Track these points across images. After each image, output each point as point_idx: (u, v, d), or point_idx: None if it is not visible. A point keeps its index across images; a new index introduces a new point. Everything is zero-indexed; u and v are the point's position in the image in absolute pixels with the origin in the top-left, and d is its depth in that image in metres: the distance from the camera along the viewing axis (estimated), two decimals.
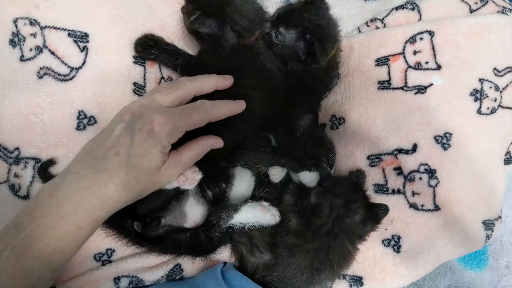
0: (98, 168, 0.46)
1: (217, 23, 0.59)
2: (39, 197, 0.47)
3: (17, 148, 0.63)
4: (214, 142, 0.55)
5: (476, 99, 0.64)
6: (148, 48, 0.65)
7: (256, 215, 0.57)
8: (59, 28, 0.65)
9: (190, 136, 0.53)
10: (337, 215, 0.55)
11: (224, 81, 0.56)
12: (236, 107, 0.55)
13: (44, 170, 0.60)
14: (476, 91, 0.64)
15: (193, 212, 0.61)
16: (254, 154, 0.60)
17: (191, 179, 0.52)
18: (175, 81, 0.55)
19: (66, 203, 0.45)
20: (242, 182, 0.62)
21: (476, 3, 0.69)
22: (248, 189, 0.63)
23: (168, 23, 0.69)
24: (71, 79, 0.64)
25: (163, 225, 0.57)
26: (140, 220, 0.55)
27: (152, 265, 0.63)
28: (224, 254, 0.66)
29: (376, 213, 0.57)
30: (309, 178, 0.60)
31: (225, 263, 0.67)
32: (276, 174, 0.61)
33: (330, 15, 0.69)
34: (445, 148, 0.63)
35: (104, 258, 0.62)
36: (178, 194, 0.57)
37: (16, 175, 0.62)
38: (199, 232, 0.58)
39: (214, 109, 0.52)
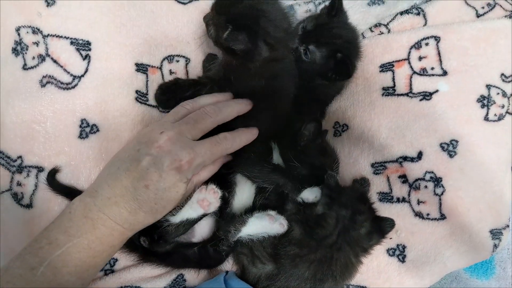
0: (129, 197, 0.49)
1: (250, 38, 0.54)
2: (72, 216, 0.50)
3: (20, 157, 0.63)
4: (227, 160, 0.60)
5: (483, 106, 0.63)
6: (171, 99, 0.63)
7: (264, 225, 0.57)
8: (61, 36, 0.65)
9: None
10: (343, 227, 0.55)
11: (245, 107, 0.58)
12: (252, 135, 0.58)
13: (53, 177, 0.61)
14: (483, 97, 0.63)
15: (201, 227, 0.60)
16: (254, 167, 0.59)
17: (215, 201, 0.54)
18: (201, 112, 0.54)
19: (102, 226, 0.49)
20: (244, 190, 0.62)
21: (483, 8, 0.67)
22: (250, 197, 0.63)
23: (171, 30, 0.69)
24: (73, 87, 0.64)
25: (171, 242, 0.57)
26: (147, 236, 0.55)
27: (155, 275, 0.62)
28: (227, 263, 0.66)
29: (382, 227, 0.56)
30: (311, 195, 0.58)
31: (227, 272, 0.66)
32: (309, 196, 0.59)
33: (351, 24, 0.68)
34: (451, 156, 0.62)
35: (107, 267, 0.62)
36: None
37: (19, 184, 0.62)
38: (207, 247, 0.58)
39: (235, 143, 0.56)
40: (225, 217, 0.60)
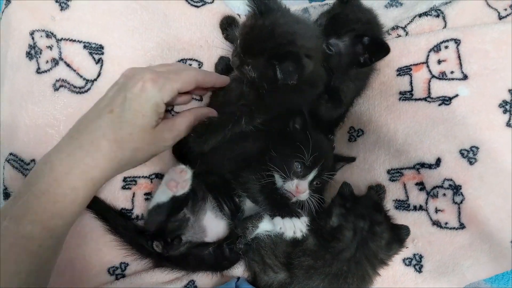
0: (92, 128, 0.47)
1: (297, 62, 0.52)
2: (36, 167, 0.48)
3: (33, 160, 0.63)
4: (209, 112, 0.58)
5: (505, 111, 0.60)
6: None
7: (280, 222, 0.55)
8: (74, 40, 0.65)
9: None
10: (362, 239, 0.53)
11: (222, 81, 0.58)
12: (220, 80, 0.58)
13: None
14: (505, 102, 0.60)
15: (213, 227, 0.60)
16: (246, 186, 0.58)
17: (182, 182, 0.51)
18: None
19: (59, 166, 0.46)
20: None
21: (505, 10, 0.65)
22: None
23: (184, 33, 0.68)
24: (86, 91, 0.64)
25: (184, 242, 0.56)
26: (161, 240, 0.54)
27: (166, 280, 0.62)
28: (238, 270, 0.65)
29: (400, 235, 0.54)
30: (279, 225, 0.53)
31: (238, 278, 0.65)
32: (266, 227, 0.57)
33: (365, 6, 0.66)
34: (471, 163, 0.60)
35: (118, 272, 0.62)
36: (178, 204, 0.55)
37: None
38: (223, 246, 0.57)
39: (201, 72, 0.55)
40: (238, 220, 0.59)
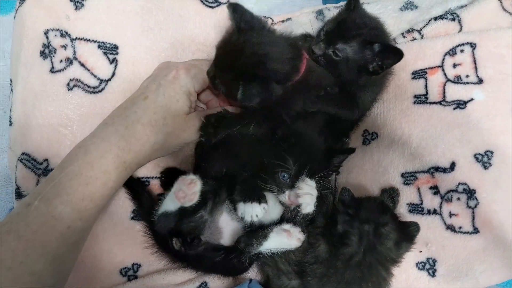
0: (126, 113, 0.49)
1: (263, 86, 0.51)
2: (70, 151, 0.49)
3: (46, 160, 0.63)
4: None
5: None
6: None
7: (282, 241, 0.56)
8: (89, 40, 0.65)
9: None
10: (368, 243, 0.53)
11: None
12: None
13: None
14: None
15: (228, 228, 0.60)
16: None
17: (190, 194, 0.50)
18: None
19: (94, 150, 0.47)
20: (271, 204, 0.59)
21: None
22: (275, 207, 0.61)
23: (198, 34, 0.68)
24: (100, 91, 0.64)
25: (203, 243, 0.56)
26: (180, 238, 0.54)
27: (178, 282, 0.62)
28: (251, 272, 0.65)
29: (409, 232, 0.54)
30: (241, 210, 0.53)
31: (250, 280, 0.65)
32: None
33: (371, 14, 0.66)
34: (485, 167, 0.59)
35: (130, 273, 0.62)
36: (186, 214, 0.55)
37: None
38: (231, 256, 0.57)
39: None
40: (254, 226, 0.58)
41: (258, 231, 0.57)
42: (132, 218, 0.64)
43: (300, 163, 0.54)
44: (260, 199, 0.54)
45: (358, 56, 0.61)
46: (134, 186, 0.62)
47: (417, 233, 0.56)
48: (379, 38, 0.61)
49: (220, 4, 0.69)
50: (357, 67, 0.61)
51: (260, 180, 0.57)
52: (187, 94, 0.52)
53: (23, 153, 0.63)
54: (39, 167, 0.62)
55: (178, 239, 0.54)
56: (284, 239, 0.56)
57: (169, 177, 0.64)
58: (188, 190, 0.50)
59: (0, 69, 1.11)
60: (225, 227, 0.59)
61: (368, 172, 0.66)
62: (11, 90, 0.69)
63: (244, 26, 0.53)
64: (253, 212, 0.53)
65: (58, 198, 0.45)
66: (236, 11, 0.54)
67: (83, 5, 0.64)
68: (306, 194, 0.53)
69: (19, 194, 0.64)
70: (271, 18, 0.89)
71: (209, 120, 0.55)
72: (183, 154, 0.69)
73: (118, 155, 0.47)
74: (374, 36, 0.61)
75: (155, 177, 0.67)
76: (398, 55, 0.58)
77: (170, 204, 0.52)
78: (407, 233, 0.55)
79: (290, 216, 0.58)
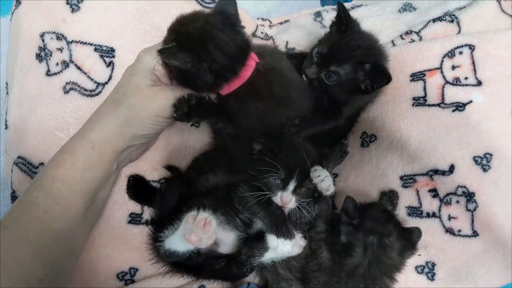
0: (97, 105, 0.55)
1: (191, 59, 0.48)
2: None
3: (42, 163, 0.63)
4: None
5: None
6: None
7: (285, 251, 0.55)
8: (85, 43, 0.65)
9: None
10: (373, 254, 0.52)
11: None
12: None
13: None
14: None
15: (224, 239, 0.59)
16: (243, 199, 0.56)
17: (206, 237, 0.45)
18: None
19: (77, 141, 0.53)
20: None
21: None
22: None
23: None
24: (97, 94, 0.64)
25: (202, 254, 0.55)
26: None
27: (175, 286, 0.61)
28: (250, 275, 0.64)
29: (412, 240, 0.54)
30: (274, 244, 0.53)
31: (248, 283, 0.65)
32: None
33: (366, 31, 0.66)
34: (485, 170, 0.59)
35: (127, 278, 0.61)
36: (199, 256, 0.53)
37: None
38: (231, 265, 0.57)
39: None
40: (250, 233, 0.58)
41: (259, 242, 0.56)
42: (129, 222, 0.63)
43: (289, 167, 0.54)
44: (291, 235, 0.54)
45: (351, 77, 0.61)
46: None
47: (419, 239, 0.55)
48: (371, 58, 0.61)
49: None
50: (350, 88, 0.62)
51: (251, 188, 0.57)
52: (146, 67, 0.51)
53: (19, 157, 0.63)
54: (34, 171, 0.62)
55: None
56: (287, 248, 0.54)
57: (135, 186, 0.62)
58: (203, 234, 0.44)
59: (0, 71, 1.11)
60: (220, 238, 0.58)
61: (367, 174, 0.66)
62: (7, 93, 0.68)
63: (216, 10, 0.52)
64: (286, 249, 0.53)
65: (33, 185, 0.49)
66: None
67: (79, 7, 0.64)
68: (324, 178, 0.53)
69: (14, 198, 0.63)
70: (269, 20, 0.89)
71: (188, 99, 0.52)
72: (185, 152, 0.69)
73: (81, 135, 0.50)
74: (366, 56, 0.61)
75: (153, 181, 0.66)
76: (385, 78, 0.59)
77: (178, 244, 0.47)
78: (410, 240, 0.54)
79: (294, 218, 0.58)
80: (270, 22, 0.87)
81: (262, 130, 0.57)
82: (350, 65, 0.60)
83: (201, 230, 0.44)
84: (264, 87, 0.54)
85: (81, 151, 0.49)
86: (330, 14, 0.81)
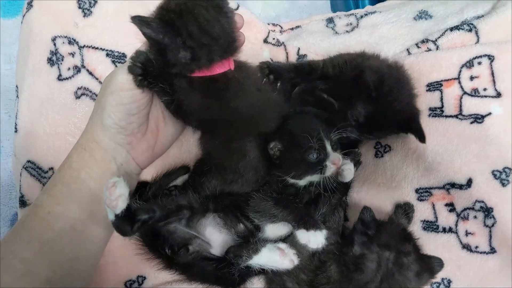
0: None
1: (165, 29, 0.45)
2: None
3: (51, 168, 0.62)
4: None
5: None
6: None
7: (274, 259, 0.54)
8: (97, 48, 0.64)
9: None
10: (387, 271, 0.50)
11: None
12: None
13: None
14: None
15: (218, 240, 0.58)
16: (258, 206, 0.55)
17: (113, 200, 0.44)
18: None
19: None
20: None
21: None
22: (282, 228, 0.59)
23: None
24: None
25: (192, 252, 0.55)
26: (168, 247, 0.54)
27: None
28: (257, 286, 0.63)
29: (431, 265, 0.51)
30: (305, 239, 0.51)
31: None
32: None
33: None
34: (503, 185, 0.57)
35: (135, 286, 0.61)
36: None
37: None
38: (223, 268, 0.56)
39: None
40: (254, 240, 0.57)
41: (250, 243, 0.55)
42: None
43: (313, 135, 0.52)
44: (320, 226, 0.52)
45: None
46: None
47: (440, 269, 0.53)
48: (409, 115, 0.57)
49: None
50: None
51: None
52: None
53: (28, 161, 0.63)
54: (44, 176, 0.62)
55: (167, 247, 0.53)
56: (276, 257, 0.53)
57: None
58: (111, 196, 0.45)
59: (4, 72, 1.12)
60: (214, 239, 0.57)
61: (380, 186, 0.64)
62: (17, 96, 0.68)
63: None
64: (320, 240, 0.50)
65: (41, 191, 0.51)
66: None
67: (91, 12, 0.63)
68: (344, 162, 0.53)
69: (23, 203, 0.63)
70: (280, 26, 0.88)
71: (137, 56, 0.48)
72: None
73: (77, 141, 0.52)
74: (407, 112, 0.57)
75: None
76: (422, 138, 0.56)
77: (109, 212, 0.47)
78: (429, 265, 0.52)
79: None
80: (281, 28, 0.86)
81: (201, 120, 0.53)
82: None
83: (109, 192, 0.45)
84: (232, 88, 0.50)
85: (75, 153, 0.51)
86: (342, 20, 0.80)
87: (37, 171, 0.62)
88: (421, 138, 0.56)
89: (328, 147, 0.53)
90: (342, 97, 0.57)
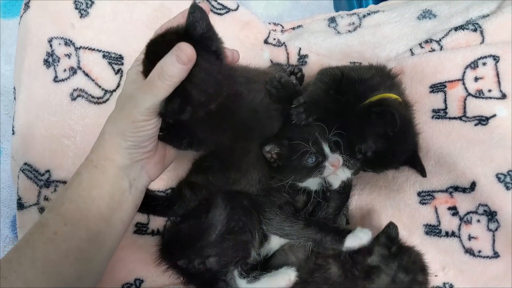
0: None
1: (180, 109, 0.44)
2: None
3: (48, 171, 0.62)
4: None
5: None
6: None
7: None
8: (94, 49, 0.63)
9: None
10: None
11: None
12: None
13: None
14: None
15: None
16: (285, 224, 0.54)
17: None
18: None
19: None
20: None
21: None
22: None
23: None
24: (105, 102, 0.62)
25: (209, 269, 0.53)
26: (186, 260, 0.52)
27: None
28: None
29: None
30: (355, 241, 0.51)
31: None
32: (354, 243, 0.52)
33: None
34: (508, 188, 0.56)
35: None
36: None
37: (46, 198, 0.61)
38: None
39: None
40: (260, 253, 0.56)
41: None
42: (135, 232, 0.62)
43: (310, 139, 0.52)
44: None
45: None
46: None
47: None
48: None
49: (229, 11, 0.67)
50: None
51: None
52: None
53: (25, 163, 0.62)
54: (40, 178, 0.61)
55: (184, 261, 0.52)
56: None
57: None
58: None
59: (4, 73, 1.11)
60: None
61: (382, 189, 0.63)
62: (14, 98, 0.68)
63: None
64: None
65: (47, 208, 0.49)
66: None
67: (88, 13, 0.62)
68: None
69: (20, 205, 0.62)
70: (281, 25, 0.87)
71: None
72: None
73: (87, 157, 0.49)
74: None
75: (159, 191, 0.65)
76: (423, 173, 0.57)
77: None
78: None
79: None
80: (282, 27, 0.84)
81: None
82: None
83: None
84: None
85: (85, 170, 0.48)
86: (345, 20, 0.78)
87: (34, 174, 0.61)
88: (423, 173, 0.57)
89: (326, 149, 0.53)
90: (353, 130, 0.55)
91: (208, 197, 0.54)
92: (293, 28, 0.85)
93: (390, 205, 0.63)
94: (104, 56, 0.63)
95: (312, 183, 0.56)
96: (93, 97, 0.62)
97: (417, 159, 0.58)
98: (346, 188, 0.55)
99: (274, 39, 0.76)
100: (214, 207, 0.53)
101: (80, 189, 0.47)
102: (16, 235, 0.96)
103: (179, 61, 0.41)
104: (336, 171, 0.53)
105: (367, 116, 0.54)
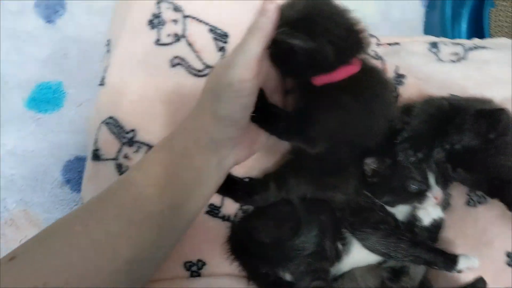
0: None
1: (310, 36, 0.42)
2: None
3: (133, 130, 0.61)
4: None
5: None
6: None
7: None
8: (201, 21, 0.63)
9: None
10: None
11: None
12: None
13: None
14: None
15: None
16: (388, 240, 0.50)
17: None
18: None
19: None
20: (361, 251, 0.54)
21: None
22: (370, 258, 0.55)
23: None
24: (203, 75, 0.61)
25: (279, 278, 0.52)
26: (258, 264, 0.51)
27: None
28: None
29: None
30: (470, 263, 0.49)
31: None
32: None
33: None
34: None
35: (194, 269, 0.58)
36: None
37: (125, 156, 0.61)
38: None
39: None
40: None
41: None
42: (207, 212, 0.60)
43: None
44: None
45: None
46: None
47: None
48: None
49: None
50: None
51: None
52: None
53: (111, 117, 0.62)
54: (124, 136, 0.61)
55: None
56: None
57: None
58: None
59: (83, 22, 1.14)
60: None
61: (469, 237, 0.58)
62: (108, 50, 0.68)
63: None
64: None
65: (135, 165, 0.50)
66: None
67: None
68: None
69: (96, 156, 0.62)
70: (376, 38, 0.83)
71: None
72: None
73: (180, 124, 0.49)
74: None
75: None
76: None
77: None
78: None
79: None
80: (378, 40, 0.81)
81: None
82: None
83: None
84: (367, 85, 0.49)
85: (178, 136, 0.48)
86: (448, 48, 0.74)
87: (118, 129, 0.61)
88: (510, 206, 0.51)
89: (432, 180, 0.50)
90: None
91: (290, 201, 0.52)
92: (390, 44, 0.81)
93: (473, 254, 0.58)
94: (210, 30, 0.62)
95: (400, 212, 0.53)
96: (193, 68, 0.61)
97: (509, 189, 0.51)
98: (435, 228, 0.52)
99: (373, 51, 0.73)
100: (306, 227, 0.50)
101: (173, 154, 0.46)
102: (66, 180, 0.99)
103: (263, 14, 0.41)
104: (436, 202, 0.50)
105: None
